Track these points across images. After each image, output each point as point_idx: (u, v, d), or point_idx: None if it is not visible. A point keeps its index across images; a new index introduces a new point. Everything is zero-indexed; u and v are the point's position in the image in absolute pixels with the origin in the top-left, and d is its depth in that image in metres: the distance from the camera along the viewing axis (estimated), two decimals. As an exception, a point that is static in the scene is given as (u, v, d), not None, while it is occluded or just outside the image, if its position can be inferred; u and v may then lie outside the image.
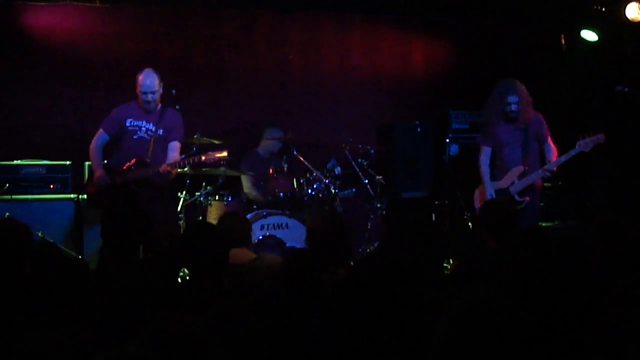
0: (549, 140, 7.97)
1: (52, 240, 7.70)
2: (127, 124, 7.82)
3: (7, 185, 8.23)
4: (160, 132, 7.81)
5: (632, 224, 4.65)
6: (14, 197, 8.22)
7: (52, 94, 9.14)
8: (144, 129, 7.82)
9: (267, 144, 9.34)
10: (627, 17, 8.65)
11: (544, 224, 8.57)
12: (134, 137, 7.80)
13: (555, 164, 7.79)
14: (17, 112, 9.05)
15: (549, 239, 4.10)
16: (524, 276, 3.48)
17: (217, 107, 9.80)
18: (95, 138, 7.87)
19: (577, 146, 7.74)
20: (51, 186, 8.34)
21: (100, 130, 7.89)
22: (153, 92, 7.74)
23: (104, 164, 7.81)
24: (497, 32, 10.35)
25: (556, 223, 9.06)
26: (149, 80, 7.73)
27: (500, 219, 5.50)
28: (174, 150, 7.87)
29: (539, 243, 4.02)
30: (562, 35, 10.00)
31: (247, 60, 9.97)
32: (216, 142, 8.45)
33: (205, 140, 8.31)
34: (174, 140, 7.88)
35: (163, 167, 7.58)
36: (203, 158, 7.70)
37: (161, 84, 7.82)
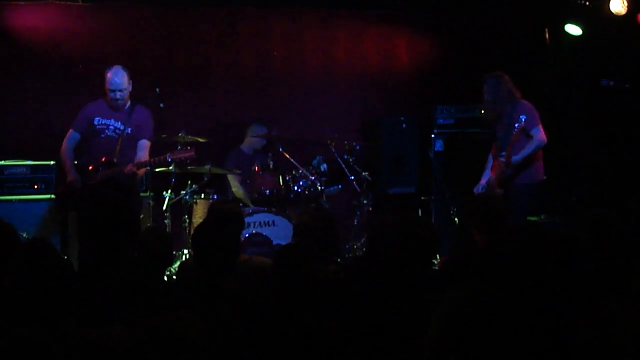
0: (533, 130, 7.73)
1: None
2: (95, 122, 7.62)
3: (-9, 186, 8.18)
4: (129, 130, 7.61)
5: (619, 217, 4.66)
6: (-3, 198, 8.17)
7: (35, 94, 9.08)
8: (112, 127, 7.61)
9: (251, 141, 9.33)
10: (611, 11, 8.65)
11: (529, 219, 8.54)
12: (102, 135, 7.61)
13: (514, 156, 7.69)
14: (0, 113, 8.98)
15: (539, 234, 4.09)
16: (515, 272, 3.46)
17: (201, 105, 9.76)
18: (66, 138, 7.68)
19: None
20: (35, 186, 8.26)
21: (71, 130, 7.70)
22: (122, 90, 7.55)
23: (75, 164, 7.63)
24: (482, 27, 10.35)
25: (542, 218, 9.05)
26: (117, 78, 7.54)
27: (486, 214, 5.49)
28: (143, 149, 7.65)
29: (530, 238, 4.00)
30: (547, 30, 10.00)
31: (231, 57, 9.94)
32: (201, 139, 8.43)
33: (190, 138, 8.27)
34: (142, 138, 7.68)
35: (128, 168, 7.39)
36: (169, 158, 7.56)
37: (130, 81, 7.64)
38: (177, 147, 7.97)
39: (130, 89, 7.65)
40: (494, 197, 6.52)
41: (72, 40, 9.23)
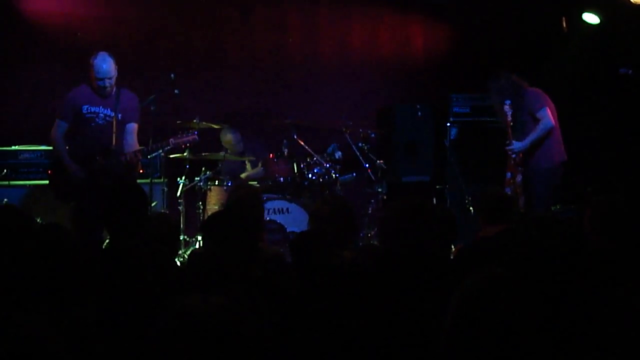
0: (538, 114, 7.86)
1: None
2: (84, 111, 7.32)
3: (5, 170, 8.19)
4: (120, 116, 7.34)
5: (629, 203, 4.62)
6: (12, 182, 8.17)
7: (49, 79, 9.07)
8: (102, 115, 7.33)
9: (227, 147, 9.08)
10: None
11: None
12: (92, 124, 7.32)
13: (516, 143, 7.85)
14: (15, 98, 9.01)
15: (552, 224, 4.07)
16: (529, 260, 3.45)
17: (216, 91, 9.75)
18: (54, 129, 7.37)
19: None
20: (49, 172, 8.25)
21: (58, 119, 7.37)
22: (110, 78, 7.24)
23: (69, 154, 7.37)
24: (498, 15, 10.28)
25: (557, 207, 9.01)
26: (105, 65, 7.22)
27: (493, 205, 5.50)
28: (131, 134, 7.42)
29: (543, 228, 3.98)
30: (564, 19, 9.92)
31: (246, 43, 9.94)
32: (215, 126, 8.42)
33: (204, 124, 8.25)
34: (130, 122, 7.42)
35: (131, 155, 7.23)
36: (172, 142, 7.45)
37: (116, 67, 7.30)
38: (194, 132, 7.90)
39: (116, 74, 7.33)
40: (499, 190, 6.55)
41: (87, 25, 9.22)
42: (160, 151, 7.59)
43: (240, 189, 6.93)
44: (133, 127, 7.45)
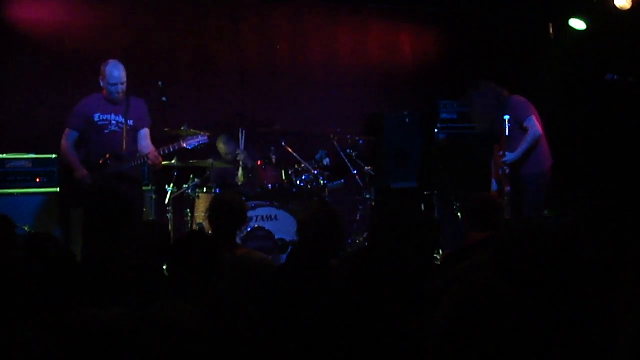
0: (525, 123, 7.92)
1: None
2: (96, 119, 7.54)
3: (-8, 179, 8.16)
4: (131, 122, 7.57)
5: (616, 208, 4.63)
6: (-1, 191, 8.16)
7: (37, 87, 9.05)
8: (114, 122, 7.55)
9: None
10: (615, 5, 8.61)
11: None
12: (105, 131, 7.54)
13: (509, 154, 7.84)
14: (1, 105, 8.96)
15: (540, 229, 4.07)
16: (518, 266, 3.45)
17: (204, 99, 9.74)
18: (64, 138, 7.59)
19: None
20: (37, 179, 8.24)
21: (67, 129, 7.61)
22: (123, 83, 7.49)
23: (80, 160, 7.55)
24: (485, 21, 10.32)
25: (547, 212, 9.03)
26: (117, 71, 7.49)
27: (479, 212, 5.50)
28: (147, 137, 7.69)
29: (530, 233, 3.99)
30: (550, 24, 9.97)
31: (234, 50, 9.92)
32: (203, 133, 8.40)
33: (192, 132, 8.23)
34: (143, 127, 7.70)
35: (153, 156, 7.44)
36: (183, 144, 7.62)
37: (126, 73, 7.57)
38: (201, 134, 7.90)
39: (126, 81, 7.59)
40: (486, 195, 6.56)
41: (75, 33, 9.20)
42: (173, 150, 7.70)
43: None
44: (146, 131, 7.73)
